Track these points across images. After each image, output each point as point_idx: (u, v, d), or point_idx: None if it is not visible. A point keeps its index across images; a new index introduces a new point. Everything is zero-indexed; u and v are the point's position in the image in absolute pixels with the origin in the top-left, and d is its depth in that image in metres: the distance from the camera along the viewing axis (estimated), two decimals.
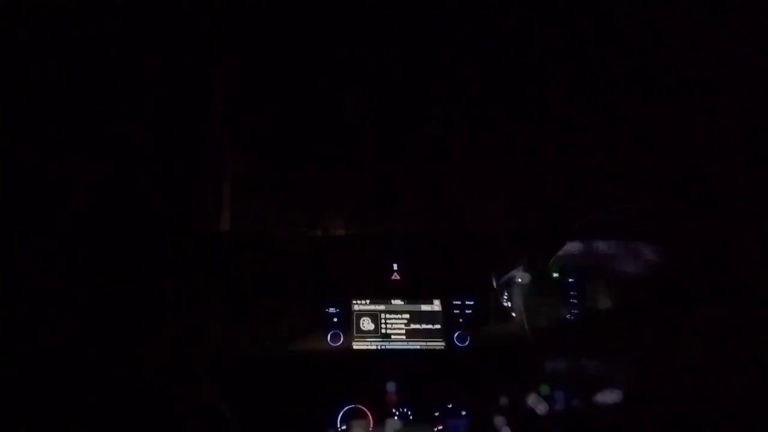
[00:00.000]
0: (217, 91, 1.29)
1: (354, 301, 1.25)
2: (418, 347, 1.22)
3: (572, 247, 1.33)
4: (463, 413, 1.16)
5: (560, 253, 1.32)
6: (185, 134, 1.25)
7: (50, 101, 0.98)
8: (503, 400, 1.14)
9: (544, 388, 1.10)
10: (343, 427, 1.13)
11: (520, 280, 1.33)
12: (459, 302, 1.26)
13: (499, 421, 1.10)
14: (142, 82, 1.10)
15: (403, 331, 1.23)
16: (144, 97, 1.11)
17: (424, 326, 1.24)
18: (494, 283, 1.30)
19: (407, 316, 1.24)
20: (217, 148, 1.36)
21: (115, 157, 1.11)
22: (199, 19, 1.08)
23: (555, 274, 1.37)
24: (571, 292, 1.30)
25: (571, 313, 1.28)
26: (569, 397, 1.09)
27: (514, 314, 1.28)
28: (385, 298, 1.26)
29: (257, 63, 1.30)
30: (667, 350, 0.90)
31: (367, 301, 1.25)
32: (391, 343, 1.22)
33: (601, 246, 1.34)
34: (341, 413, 1.14)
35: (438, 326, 1.24)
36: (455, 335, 1.22)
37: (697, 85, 1.14)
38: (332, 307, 1.24)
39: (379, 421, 1.14)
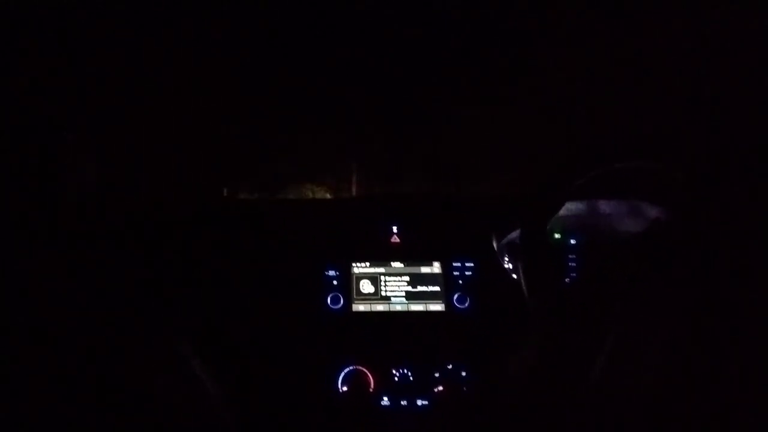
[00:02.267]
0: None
1: (354, 264, 1.25)
2: (418, 309, 1.22)
3: (574, 206, 1.31)
4: (463, 374, 1.16)
5: (562, 212, 1.30)
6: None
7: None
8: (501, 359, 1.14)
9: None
10: (344, 388, 1.14)
11: (519, 241, 1.32)
12: (459, 264, 1.25)
13: (497, 378, 1.10)
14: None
15: (403, 294, 1.23)
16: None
17: (424, 288, 1.23)
18: (494, 245, 1.29)
19: (407, 278, 1.24)
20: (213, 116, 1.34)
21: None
22: None
23: (557, 235, 1.36)
24: (570, 255, 1.28)
25: (570, 276, 1.26)
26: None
27: (514, 276, 1.27)
28: (384, 261, 1.26)
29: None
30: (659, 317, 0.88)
31: (367, 264, 1.25)
32: (391, 305, 1.22)
33: (603, 205, 1.32)
34: (342, 374, 1.15)
35: (438, 288, 1.23)
36: (455, 297, 1.22)
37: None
38: (332, 269, 1.24)
39: (380, 381, 1.15)
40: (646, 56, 1.17)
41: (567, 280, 1.26)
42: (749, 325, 0.69)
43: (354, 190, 1.47)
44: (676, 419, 0.66)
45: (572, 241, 1.35)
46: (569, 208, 1.32)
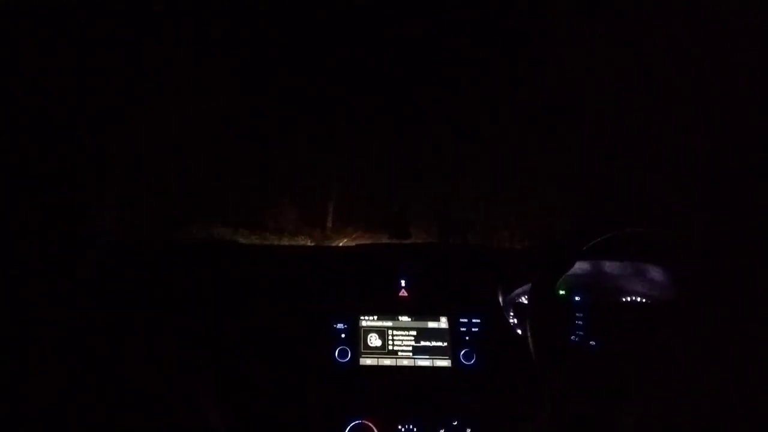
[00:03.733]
0: None
1: (362, 317, 1.27)
2: (425, 364, 1.23)
3: (578, 265, 1.34)
4: (468, 430, 1.17)
5: (568, 272, 1.33)
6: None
7: None
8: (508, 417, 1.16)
9: None
10: None
11: (525, 298, 1.34)
12: (466, 320, 1.27)
13: None
14: None
15: (410, 348, 1.25)
16: None
17: (430, 343, 1.25)
18: (501, 301, 1.31)
19: (414, 332, 1.26)
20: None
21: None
22: None
23: (561, 292, 1.38)
24: (577, 314, 1.30)
25: (576, 335, 1.28)
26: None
27: (519, 332, 1.29)
28: (392, 314, 1.28)
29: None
30: (675, 379, 0.91)
31: (375, 317, 1.27)
32: (398, 360, 1.24)
33: (608, 266, 1.35)
34: (348, 428, 1.16)
35: (444, 344, 1.25)
36: (461, 353, 1.24)
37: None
38: (340, 322, 1.26)
39: None
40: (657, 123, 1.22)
41: (574, 338, 1.28)
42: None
43: (363, 240, 1.50)
44: None
45: (576, 298, 1.38)
46: (576, 267, 1.35)
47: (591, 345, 1.26)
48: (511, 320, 1.33)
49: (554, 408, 0.98)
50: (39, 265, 0.97)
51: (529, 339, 1.05)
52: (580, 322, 1.29)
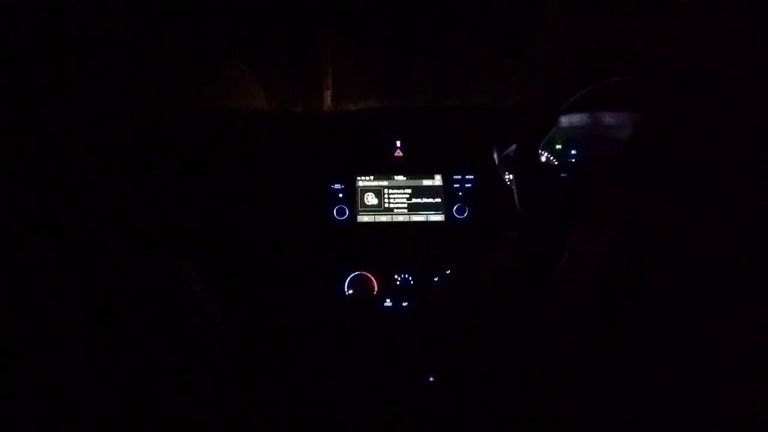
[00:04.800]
0: None
1: (359, 177, 1.31)
2: (420, 219, 1.29)
3: (577, 118, 1.32)
4: (459, 278, 1.25)
5: (564, 124, 1.32)
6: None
7: None
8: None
9: None
10: (350, 291, 1.25)
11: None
12: (459, 177, 1.30)
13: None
14: None
15: (406, 205, 1.30)
16: None
17: (425, 200, 1.30)
18: (495, 158, 1.32)
19: (409, 191, 1.30)
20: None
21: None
22: None
23: (558, 146, 1.39)
24: (562, 175, 1.31)
25: (559, 192, 1.29)
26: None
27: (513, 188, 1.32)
28: (388, 174, 1.31)
29: None
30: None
31: (371, 177, 1.31)
32: (394, 216, 1.29)
33: (606, 116, 1.33)
34: (348, 279, 1.26)
35: (438, 200, 1.30)
36: (454, 208, 1.28)
37: None
38: (338, 183, 1.30)
39: (383, 285, 1.26)
40: None
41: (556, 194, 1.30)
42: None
43: (359, 102, 1.50)
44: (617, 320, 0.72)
45: (572, 152, 1.38)
46: (572, 119, 1.34)
47: (569, 201, 1.28)
48: (507, 176, 1.35)
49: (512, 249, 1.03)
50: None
51: (516, 198, 1.08)
52: (564, 175, 1.31)
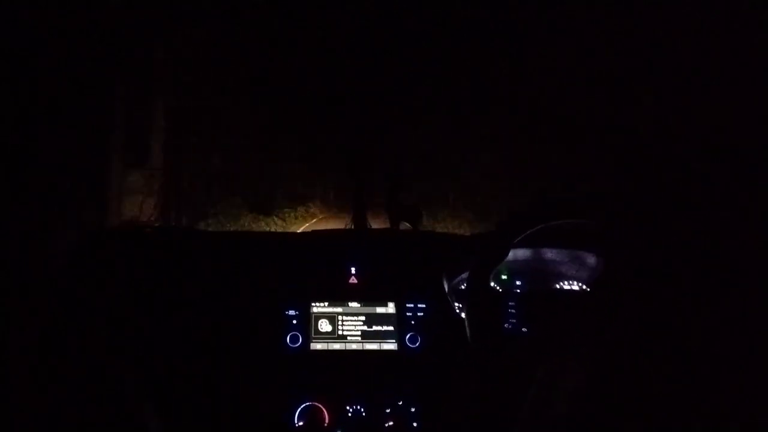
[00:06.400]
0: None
1: (313, 304, 1.31)
2: (373, 348, 1.29)
3: (521, 252, 1.41)
4: (412, 410, 1.25)
5: (510, 257, 1.40)
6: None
7: None
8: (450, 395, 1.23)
9: None
10: (300, 423, 1.21)
11: (464, 285, 1.40)
12: (412, 305, 1.33)
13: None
14: None
15: (359, 332, 1.30)
16: None
17: (378, 328, 1.31)
18: (446, 287, 1.37)
19: (363, 317, 1.31)
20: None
21: None
22: None
23: (504, 277, 1.46)
24: (510, 303, 1.37)
25: (509, 322, 1.35)
26: None
27: (463, 317, 1.36)
28: (342, 301, 1.32)
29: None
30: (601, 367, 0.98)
31: (326, 304, 1.32)
32: (347, 344, 1.29)
33: (548, 252, 1.42)
34: (298, 410, 1.22)
35: (392, 328, 1.31)
36: (407, 337, 1.30)
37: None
38: (292, 309, 1.30)
39: (334, 417, 1.22)
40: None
41: (507, 325, 1.35)
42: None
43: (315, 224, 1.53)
44: None
45: (517, 282, 1.46)
46: (517, 253, 1.42)
47: (523, 332, 1.34)
48: (456, 305, 1.39)
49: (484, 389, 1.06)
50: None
51: (466, 326, 1.12)
52: (513, 311, 1.36)
